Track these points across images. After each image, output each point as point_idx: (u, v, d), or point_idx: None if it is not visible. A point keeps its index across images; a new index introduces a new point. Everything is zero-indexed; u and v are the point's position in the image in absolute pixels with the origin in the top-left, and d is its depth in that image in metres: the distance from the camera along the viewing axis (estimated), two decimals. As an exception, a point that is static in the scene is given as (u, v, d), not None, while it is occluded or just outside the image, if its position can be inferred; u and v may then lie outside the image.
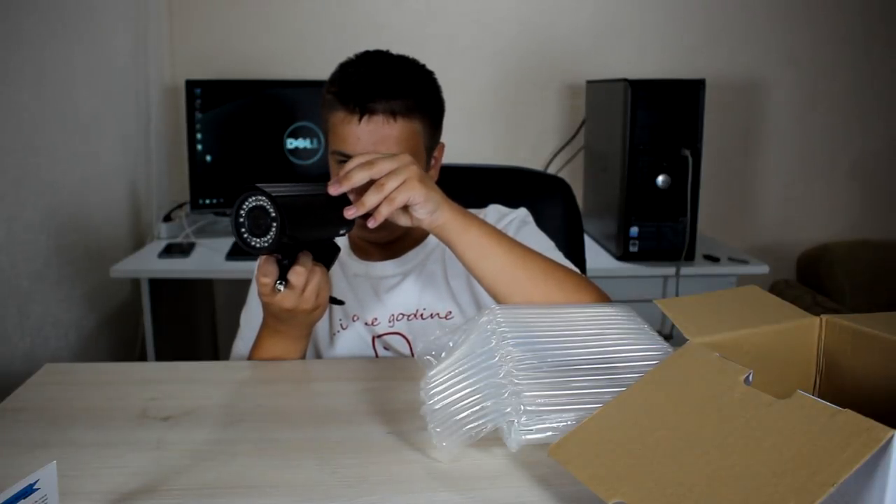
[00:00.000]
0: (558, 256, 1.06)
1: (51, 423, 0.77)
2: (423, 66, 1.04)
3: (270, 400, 0.83)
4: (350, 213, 0.82)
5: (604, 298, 0.93)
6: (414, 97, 0.98)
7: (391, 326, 1.07)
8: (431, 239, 1.12)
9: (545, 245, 1.09)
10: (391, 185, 0.81)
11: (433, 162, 1.07)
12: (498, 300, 0.91)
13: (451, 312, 1.06)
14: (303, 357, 1.00)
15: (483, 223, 0.90)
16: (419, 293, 1.08)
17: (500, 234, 0.91)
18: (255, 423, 0.77)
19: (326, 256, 0.92)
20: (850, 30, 2.36)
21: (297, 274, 0.84)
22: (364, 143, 0.96)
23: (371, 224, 0.82)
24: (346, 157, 0.98)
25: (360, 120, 0.95)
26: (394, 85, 0.96)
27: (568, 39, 2.33)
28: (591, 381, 0.69)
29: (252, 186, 0.79)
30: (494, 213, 1.13)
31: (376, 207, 0.81)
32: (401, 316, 1.07)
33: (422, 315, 1.07)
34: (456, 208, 0.88)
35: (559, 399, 0.66)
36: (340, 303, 1.01)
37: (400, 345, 1.06)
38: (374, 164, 0.82)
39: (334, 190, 0.82)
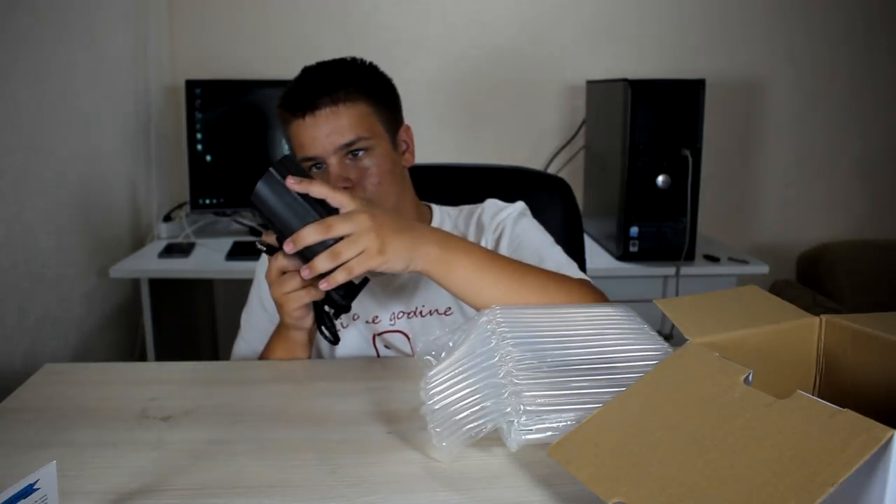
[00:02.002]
0: (556, 251, 1.06)
1: (51, 423, 0.77)
2: (360, 60, 1.06)
3: (270, 400, 0.83)
4: (305, 272, 0.80)
5: (603, 300, 0.92)
6: (352, 83, 0.99)
7: (392, 324, 1.07)
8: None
9: (543, 239, 1.09)
10: (347, 254, 0.78)
11: (404, 146, 1.08)
12: None
13: (450, 308, 1.07)
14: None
15: (469, 255, 0.86)
16: (418, 290, 1.08)
17: (490, 263, 0.87)
18: (255, 423, 0.77)
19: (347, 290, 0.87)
20: (850, 29, 2.36)
21: (273, 261, 0.87)
22: (319, 139, 0.97)
23: (323, 286, 0.80)
24: (314, 161, 0.99)
25: (305, 118, 0.97)
26: (329, 79, 0.99)
27: (568, 39, 2.33)
28: (591, 381, 0.69)
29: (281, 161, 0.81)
30: (492, 206, 1.13)
31: (332, 270, 0.79)
32: (401, 313, 1.07)
33: (421, 312, 1.07)
34: (434, 253, 0.83)
35: (559, 399, 0.66)
36: (330, 340, 0.93)
37: (400, 342, 1.06)
38: (331, 227, 0.79)
39: (289, 249, 0.80)
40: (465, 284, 0.86)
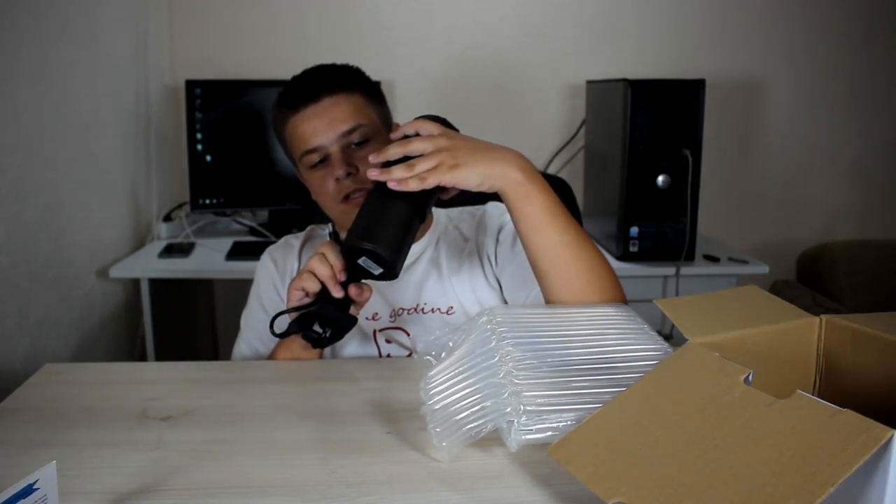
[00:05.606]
0: None
1: (51, 423, 0.77)
2: (349, 64, 1.11)
3: (270, 400, 0.83)
4: (374, 173, 0.84)
5: (623, 299, 0.92)
6: (342, 75, 1.06)
7: (392, 321, 1.07)
8: (432, 233, 1.12)
9: None
10: (421, 167, 0.82)
11: None
12: (537, 275, 0.91)
13: (452, 307, 1.06)
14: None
15: (548, 193, 0.88)
16: (420, 288, 1.08)
17: (563, 210, 0.89)
18: (255, 423, 0.77)
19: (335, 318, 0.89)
20: (849, 29, 2.36)
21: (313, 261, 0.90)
22: (323, 129, 1.01)
23: (392, 185, 0.83)
24: (318, 153, 1.01)
25: (306, 109, 1.01)
26: (326, 75, 1.05)
27: (568, 39, 2.33)
28: (591, 381, 0.69)
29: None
30: (494, 209, 1.13)
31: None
32: (401, 311, 1.07)
33: (422, 309, 1.07)
34: (516, 177, 0.86)
35: (559, 399, 0.66)
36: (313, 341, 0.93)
37: (401, 338, 1.06)
38: (410, 143, 0.85)
39: (373, 158, 0.85)
40: (535, 219, 0.88)
